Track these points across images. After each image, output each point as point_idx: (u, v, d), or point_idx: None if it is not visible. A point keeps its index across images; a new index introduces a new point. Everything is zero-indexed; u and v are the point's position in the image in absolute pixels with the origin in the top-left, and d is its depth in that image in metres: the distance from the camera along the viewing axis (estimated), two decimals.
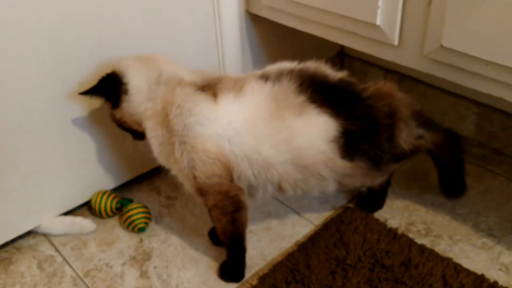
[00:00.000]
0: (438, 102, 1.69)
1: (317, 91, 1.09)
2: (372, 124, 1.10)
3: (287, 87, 1.09)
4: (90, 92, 1.19)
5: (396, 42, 1.18)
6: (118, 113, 1.19)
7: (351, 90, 1.13)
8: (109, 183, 1.47)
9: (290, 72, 1.12)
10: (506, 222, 1.32)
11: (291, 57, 1.78)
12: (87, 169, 1.39)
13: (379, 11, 1.15)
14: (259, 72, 1.15)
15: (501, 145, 1.58)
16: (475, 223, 1.33)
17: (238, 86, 1.10)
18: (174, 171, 1.14)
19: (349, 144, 1.08)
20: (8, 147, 1.21)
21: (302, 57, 1.82)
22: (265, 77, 1.12)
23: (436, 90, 1.68)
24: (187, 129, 1.07)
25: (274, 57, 1.72)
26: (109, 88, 1.17)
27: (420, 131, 1.18)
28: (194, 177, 1.09)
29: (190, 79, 1.15)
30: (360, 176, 1.15)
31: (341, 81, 1.14)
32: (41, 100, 1.22)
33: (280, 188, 1.13)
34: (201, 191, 1.11)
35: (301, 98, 1.07)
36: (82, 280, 1.24)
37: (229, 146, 1.07)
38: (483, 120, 1.60)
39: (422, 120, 1.18)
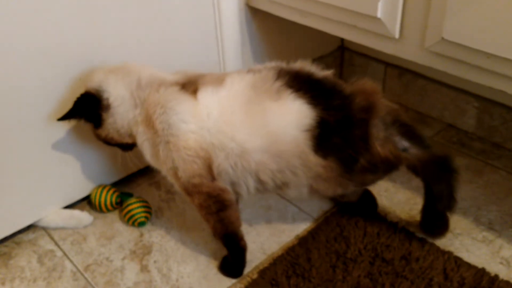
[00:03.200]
0: (438, 96, 1.69)
1: (296, 79, 1.07)
2: (348, 116, 1.05)
3: (267, 75, 1.08)
4: (67, 117, 1.18)
5: (397, 35, 1.18)
6: (102, 132, 1.18)
7: (332, 84, 1.09)
8: (109, 178, 1.46)
9: (274, 67, 1.11)
10: (506, 216, 1.32)
11: (292, 50, 1.78)
12: (86, 164, 1.39)
13: (380, 4, 1.15)
14: (245, 70, 1.14)
15: (502, 139, 1.58)
16: (476, 217, 1.33)
17: (219, 80, 1.10)
18: (163, 171, 1.14)
19: (323, 137, 1.03)
20: (8, 142, 1.21)
21: (303, 51, 1.83)
22: (249, 71, 1.11)
23: (437, 84, 1.68)
24: (171, 128, 1.07)
25: (275, 51, 1.73)
26: (88, 109, 1.16)
27: (405, 143, 1.08)
28: (179, 178, 1.10)
29: (172, 78, 1.14)
30: (332, 181, 1.08)
31: (324, 77, 1.11)
32: (41, 95, 1.22)
33: (259, 181, 1.09)
34: (187, 191, 1.11)
35: (279, 83, 1.06)
36: (82, 274, 1.24)
37: (209, 136, 1.06)
38: (484, 114, 1.60)
39: (408, 131, 1.09)
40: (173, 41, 1.40)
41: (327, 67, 1.93)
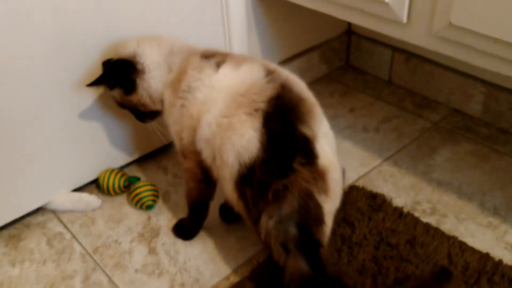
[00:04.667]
0: (445, 81, 1.69)
1: (276, 117, 1.00)
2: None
3: (264, 89, 1.04)
4: (100, 81, 1.21)
5: (404, 20, 1.17)
6: (134, 98, 1.21)
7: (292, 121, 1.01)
8: (117, 161, 1.48)
9: (278, 86, 1.04)
10: (511, 201, 1.33)
11: (298, 34, 1.78)
12: (95, 147, 1.40)
13: None
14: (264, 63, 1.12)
15: (508, 124, 1.58)
16: (481, 202, 1.34)
17: (241, 62, 1.11)
18: (171, 131, 1.18)
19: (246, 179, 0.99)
20: (17, 125, 1.22)
21: (309, 35, 1.82)
22: (265, 69, 1.08)
23: (444, 69, 1.68)
24: (190, 91, 1.11)
25: (281, 35, 1.73)
26: (122, 74, 1.18)
27: (293, 232, 0.95)
28: (181, 139, 1.14)
29: (200, 49, 1.18)
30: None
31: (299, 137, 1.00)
32: (51, 78, 1.23)
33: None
34: (183, 153, 1.16)
35: (260, 106, 1.01)
36: (91, 256, 1.26)
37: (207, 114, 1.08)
38: (490, 100, 1.59)
39: (309, 243, 0.96)
40: (179, 26, 1.40)
41: (334, 51, 1.94)
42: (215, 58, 1.13)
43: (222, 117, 1.04)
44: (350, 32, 1.93)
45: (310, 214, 0.96)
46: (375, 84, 1.87)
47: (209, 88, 1.09)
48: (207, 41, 1.48)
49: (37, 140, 1.27)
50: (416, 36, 1.18)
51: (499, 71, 1.07)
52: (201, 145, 1.09)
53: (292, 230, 0.95)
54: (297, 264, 0.94)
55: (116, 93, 1.23)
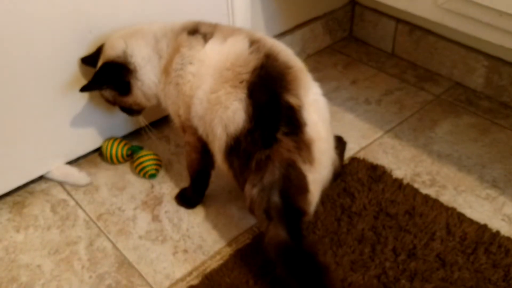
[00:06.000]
0: (448, 54, 1.68)
1: (260, 89, 1.01)
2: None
3: (248, 61, 1.04)
4: (94, 87, 1.22)
5: None
6: (130, 99, 1.23)
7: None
8: (119, 131, 1.48)
9: (263, 56, 1.04)
10: (510, 174, 1.34)
11: (302, 5, 1.76)
12: (97, 116, 1.41)
13: None
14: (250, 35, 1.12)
15: (509, 98, 1.58)
16: (480, 174, 1.35)
17: (228, 35, 1.11)
18: (170, 110, 1.20)
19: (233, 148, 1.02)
20: (20, 93, 1.22)
21: (314, 6, 1.81)
22: (250, 40, 1.08)
23: (447, 41, 1.67)
24: (182, 69, 1.12)
25: (285, 6, 1.71)
26: (116, 77, 1.19)
27: (276, 200, 0.97)
28: (179, 116, 1.17)
29: (180, 23, 1.19)
30: None
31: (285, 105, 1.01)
32: (53, 46, 1.22)
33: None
34: (183, 128, 1.19)
35: (246, 77, 1.02)
36: (95, 223, 1.28)
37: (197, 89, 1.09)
38: (492, 74, 1.59)
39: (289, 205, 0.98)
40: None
41: (338, 22, 1.92)
42: (201, 31, 1.14)
43: (211, 93, 1.06)
44: (354, 2, 1.91)
45: (292, 183, 0.98)
46: (378, 56, 1.86)
47: (199, 62, 1.10)
48: (210, 11, 1.46)
49: (39, 108, 1.28)
50: (421, 8, 1.17)
51: (503, 44, 1.07)
52: (196, 122, 1.11)
53: (275, 198, 0.97)
54: (276, 231, 0.97)
55: (108, 93, 1.25)
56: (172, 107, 1.19)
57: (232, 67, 1.04)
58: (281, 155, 0.97)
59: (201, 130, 1.12)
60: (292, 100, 0.99)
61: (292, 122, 0.98)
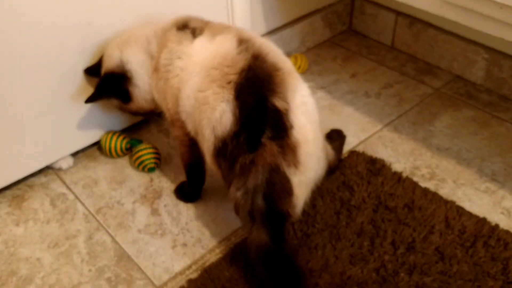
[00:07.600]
0: (448, 47, 1.68)
1: (247, 90, 1.00)
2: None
3: (236, 61, 1.03)
4: (96, 98, 1.27)
5: None
6: (133, 105, 1.28)
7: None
8: (119, 124, 1.48)
9: (250, 57, 1.03)
10: (510, 167, 1.34)
11: (302, 1, 1.76)
12: (96, 110, 1.41)
13: None
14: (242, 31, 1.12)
15: (509, 91, 1.58)
16: (480, 168, 1.35)
17: (217, 33, 1.11)
18: (162, 106, 1.22)
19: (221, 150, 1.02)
20: (21, 87, 1.22)
21: (313, 1, 1.80)
22: (238, 39, 1.07)
23: (447, 34, 1.66)
24: (170, 64, 1.13)
25: (284, 0, 1.70)
26: (115, 87, 1.24)
27: (259, 204, 0.98)
28: (168, 109, 1.18)
29: (170, 20, 1.20)
30: None
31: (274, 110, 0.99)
32: (54, 39, 1.22)
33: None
34: (172, 122, 1.20)
35: (232, 78, 1.01)
36: (94, 216, 1.28)
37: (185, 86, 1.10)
38: (493, 66, 1.59)
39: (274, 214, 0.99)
40: None
41: (338, 15, 1.91)
42: (190, 26, 1.15)
43: (198, 91, 1.05)
44: None
45: (276, 188, 0.98)
46: (377, 49, 1.86)
47: (187, 57, 1.11)
48: (209, 4, 1.46)
49: (39, 102, 1.27)
50: (421, 0, 1.17)
51: (503, 37, 1.06)
52: (184, 117, 1.11)
53: (259, 201, 0.98)
54: (258, 233, 0.99)
55: (115, 102, 1.30)
56: (162, 102, 1.20)
57: (220, 67, 1.03)
58: (265, 160, 0.97)
59: (190, 127, 1.11)
60: (278, 103, 0.98)
61: (278, 125, 0.98)
